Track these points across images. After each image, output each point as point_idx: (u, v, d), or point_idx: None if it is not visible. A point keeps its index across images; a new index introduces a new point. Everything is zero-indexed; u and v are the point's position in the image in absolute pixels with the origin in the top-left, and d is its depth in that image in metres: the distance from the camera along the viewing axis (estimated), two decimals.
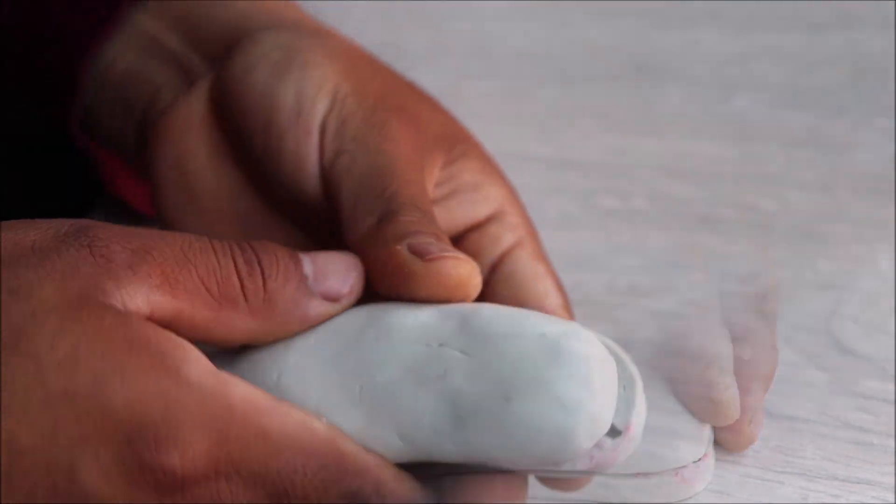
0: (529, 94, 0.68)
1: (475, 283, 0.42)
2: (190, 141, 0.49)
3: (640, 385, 0.43)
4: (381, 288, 0.43)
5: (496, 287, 0.46)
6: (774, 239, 0.59)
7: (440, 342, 0.40)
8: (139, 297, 0.38)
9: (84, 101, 0.54)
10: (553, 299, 0.46)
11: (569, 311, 0.46)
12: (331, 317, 0.41)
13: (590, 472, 0.42)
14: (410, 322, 0.41)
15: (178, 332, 0.38)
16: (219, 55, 0.50)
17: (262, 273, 0.40)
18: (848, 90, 0.67)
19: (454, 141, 0.48)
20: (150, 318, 0.38)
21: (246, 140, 0.48)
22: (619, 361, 0.42)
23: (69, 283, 0.37)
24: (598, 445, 0.41)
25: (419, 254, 0.42)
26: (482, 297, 0.43)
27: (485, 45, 0.73)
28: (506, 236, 0.47)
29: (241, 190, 0.49)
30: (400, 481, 0.40)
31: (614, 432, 0.42)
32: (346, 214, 0.44)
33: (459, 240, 0.47)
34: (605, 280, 0.56)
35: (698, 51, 0.71)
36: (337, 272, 0.41)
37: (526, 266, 0.47)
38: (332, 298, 0.41)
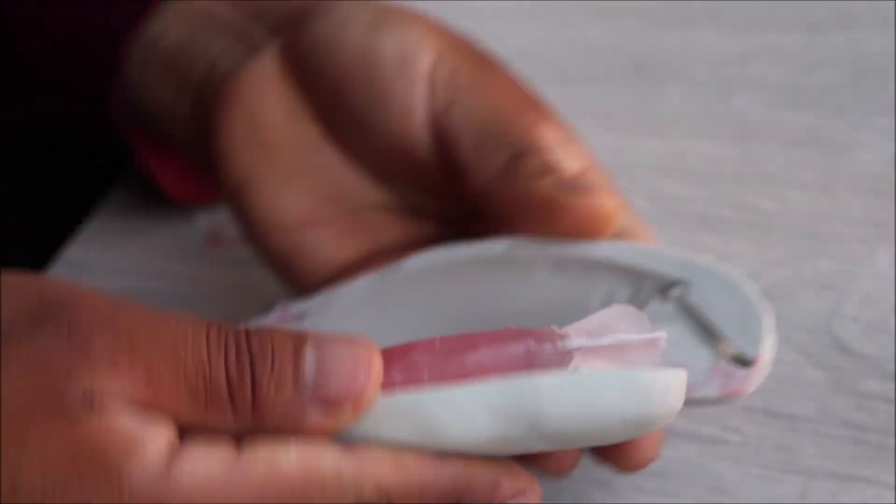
0: None
1: (619, 218, 0.42)
2: (264, 99, 0.48)
3: (767, 318, 0.44)
4: (517, 227, 0.43)
5: None
6: (774, 239, 0.59)
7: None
8: (117, 393, 0.35)
9: (127, 79, 0.54)
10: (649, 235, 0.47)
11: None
12: (333, 430, 0.36)
13: (721, 400, 0.43)
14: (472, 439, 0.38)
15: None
16: (282, 25, 0.50)
17: (253, 375, 0.35)
18: (848, 90, 0.67)
19: (537, 101, 0.48)
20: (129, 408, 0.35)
21: (343, 94, 0.47)
22: (744, 298, 0.44)
23: (34, 379, 0.34)
24: (729, 375, 0.43)
25: (567, 187, 0.42)
26: None
27: (483, 45, 0.73)
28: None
29: (321, 144, 0.49)
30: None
31: (745, 362, 0.43)
32: (470, 159, 0.44)
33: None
34: None
35: (698, 51, 0.71)
36: (343, 372, 0.36)
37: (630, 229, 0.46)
38: (334, 405, 0.36)
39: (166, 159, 0.58)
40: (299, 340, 0.36)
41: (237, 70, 0.49)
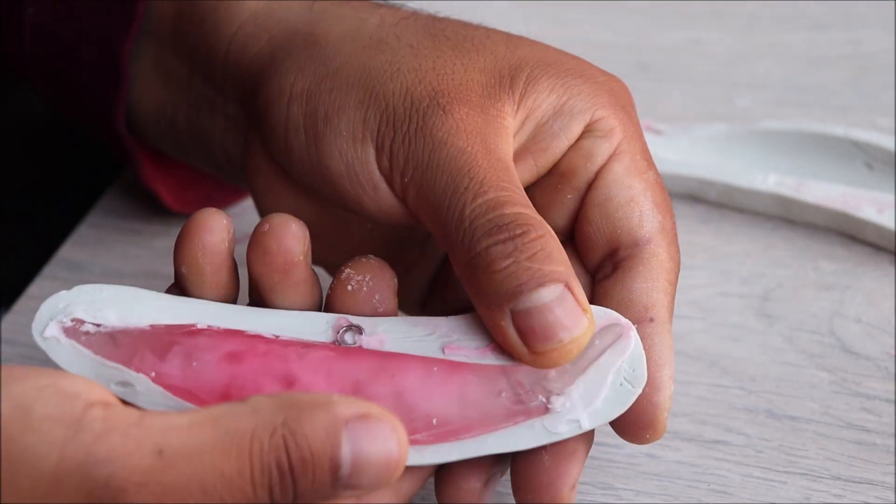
0: None
1: (574, 353, 0.41)
2: (283, 200, 0.49)
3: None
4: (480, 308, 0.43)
5: (591, 215, 0.45)
6: (776, 239, 0.59)
7: None
8: None
9: (135, 125, 0.55)
10: (648, 225, 0.45)
11: (668, 233, 0.45)
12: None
13: None
14: None
15: None
16: (243, 99, 0.49)
17: (296, 493, 0.37)
18: (849, 89, 0.67)
19: (515, 72, 0.46)
20: None
21: (326, 198, 0.47)
22: None
23: None
24: None
25: (525, 335, 0.41)
26: (580, 223, 0.45)
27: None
28: (600, 148, 0.45)
29: (353, 219, 0.48)
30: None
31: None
32: (444, 244, 0.43)
33: (556, 166, 0.46)
34: None
35: (700, 50, 0.71)
36: (377, 463, 0.37)
37: (619, 188, 0.45)
38: (365, 489, 0.37)
39: (168, 173, 0.58)
40: (335, 447, 0.37)
41: (246, 165, 0.50)
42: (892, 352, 0.53)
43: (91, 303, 0.43)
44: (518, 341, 0.41)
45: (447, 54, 0.46)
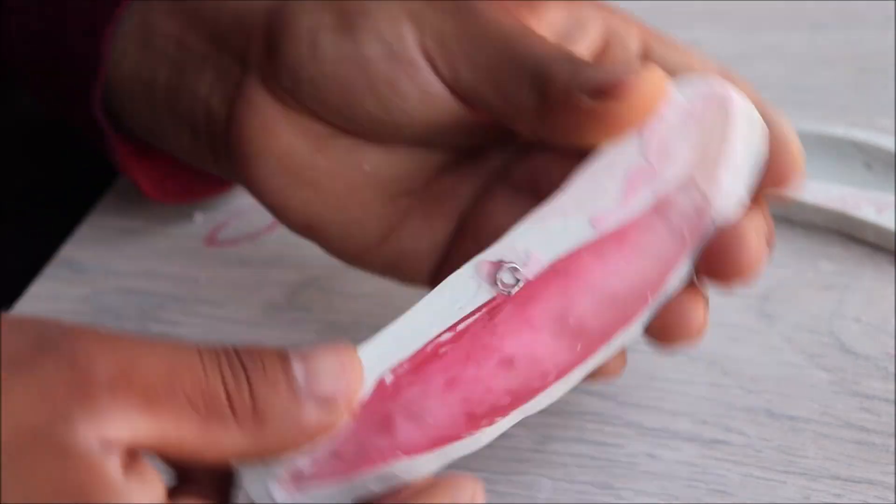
0: None
1: (662, 90, 0.42)
2: (275, 133, 0.48)
3: None
4: (587, 141, 0.42)
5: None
6: (776, 238, 0.59)
7: None
8: (118, 422, 0.35)
9: (121, 113, 0.54)
10: (708, 62, 0.47)
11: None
12: (331, 426, 0.38)
13: None
14: None
15: (166, 457, 0.37)
16: (246, 50, 0.49)
17: (250, 382, 0.37)
18: (849, 89, 0.67)
19: None
20: (132, 445, 0.36)
21: (350, 109, 0.46)
22: None
23: (33, 411, 0.35)
24: None
25: (601, 91, 0.41)
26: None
27: None
28: (631, 45, 0.47)
29: (347, 148, 0.48)
30: None
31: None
32: (505, 107, 0.43)
33: None
34: None
35: (699, 50, 0.71)
36: (331, 372, 0.38)
37: (666, 52, 0.47)
38: (329, 401, 0.38)
39: (149, 162, 0.57)
40: (284, 352, 0.38)
41: (235, 115, 0.49)
42: (892, 351, 0.53)
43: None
44: (598, 104, 0.41)
45: None
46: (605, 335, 0.41)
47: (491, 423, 0.39)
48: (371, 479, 0.38)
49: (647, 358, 0.52)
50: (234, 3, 0.50)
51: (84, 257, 0.60)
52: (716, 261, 0.42)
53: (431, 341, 0.40)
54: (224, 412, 0.36)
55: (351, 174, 0.48)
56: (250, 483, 0.38)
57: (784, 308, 0.55)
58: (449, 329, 0.40)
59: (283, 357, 0.38)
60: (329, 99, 0.47)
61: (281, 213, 0.49)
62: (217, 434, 0.36)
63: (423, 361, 0.40)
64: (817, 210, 0.58)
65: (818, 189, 0.59)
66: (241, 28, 0.49)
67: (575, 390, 0.43)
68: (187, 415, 0.36)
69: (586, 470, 0.49)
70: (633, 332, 0.42)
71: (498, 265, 0.41)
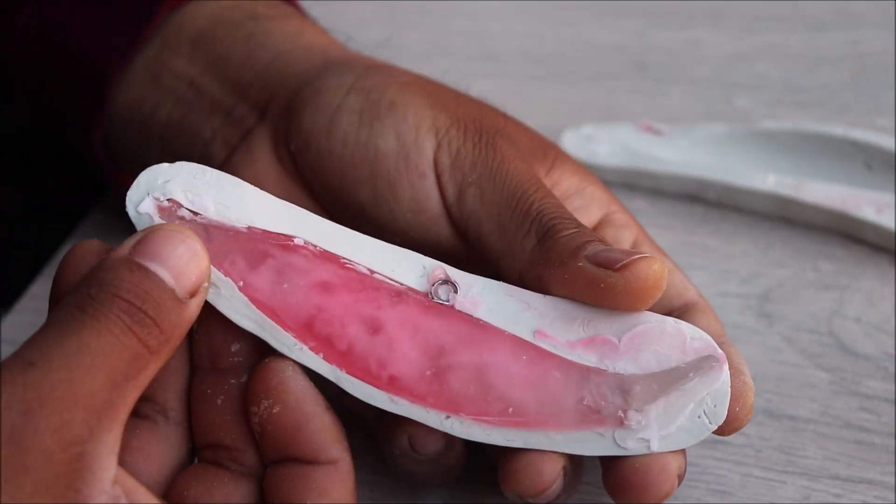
0: (530, 93, 0.68)
1: (666, 276, 0.41)
2: (264, 185, 0.48)
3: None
4: (571, 295, 0.42)
5: None
6: (775, 239, 0.59)
7: None
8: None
9: (111, 136, 0.54)
10: (692, 289, 0.46)
11: (697, 294, 0.47)
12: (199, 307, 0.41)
13: None
14: None
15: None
16: (266, 103, 0.50)
17: (157, 323, 0.39)
18: (849, 89, 0.67)
19: (546, 149, 0.48)
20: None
21: (346, 191, 0.47)
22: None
23: None
24: None
25: (605, 264, 0.41)
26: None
27: (485, 45, 0.73)
28: (625, 236, 0.48)
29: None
30: None
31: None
32: (499, 243, 0.44)
33: None
34: None
35: (699, 50, 0.71)
36: (190, 265, 0.40)
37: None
38: (199, 291, 0.40)
39: None
40: (139, 268, 0.40)
41: (232, 160, 0.49)
42: (892, 351, 0.53)
43: (191, 185, 0.42)
44: (597, 269, 0.41)
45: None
46: (456, 402, 0.42)
47: (315, 348, 0.42)
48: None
49: None
50: (269, 61, 0.50)
51: None
52: (628, 480, 0.42)
53: (355, 262, 0.42)
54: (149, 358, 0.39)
55: None
56: (139, 185, 0.42)
57: (784, 308, 0.55)
58: (366, 271, 0.42)
59: (121, 248, 0.40)
60: (328, 176, 0.47)
61: None
62: (149, 372, 0.39)
63: (328, 259, 0.42)
64: (817, 210, 0.58)
65: (818, 189, 0.59)
66: (268, 83, 0.50)
67: None
68: (129, 389, 0.38)
69: (587, 470, 0.49)
70: (496, 439, 0.42)
71: (447, 280, 0.43)
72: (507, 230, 0.44)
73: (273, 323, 0.41)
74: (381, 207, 0.46)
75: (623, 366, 0.42)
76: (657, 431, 0.42)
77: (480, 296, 0.43)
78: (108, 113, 0.53)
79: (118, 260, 0.39)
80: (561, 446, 0.42)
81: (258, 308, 0.41)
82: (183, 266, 0.40)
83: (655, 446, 0.42)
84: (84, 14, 0.54)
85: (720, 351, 0.42)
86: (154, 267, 0.39)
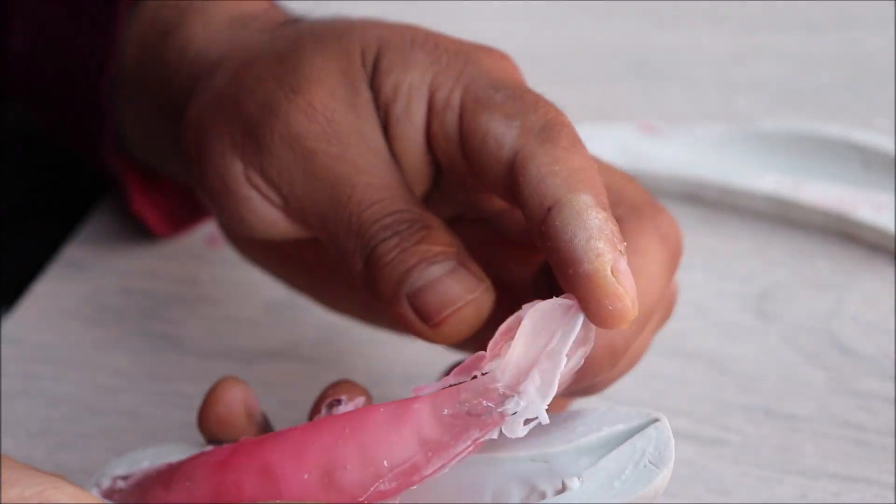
0: None
1: (480, 322, 0.41)
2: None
3: None
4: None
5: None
6: (773, 239, 0.59)
7: None
8: None
9: (118, 119, 0.54)
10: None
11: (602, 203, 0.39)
12: None
13: None
14: None
15: None
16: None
17: None
18: (847, 90, 0.67)
19: (365, 52, 0.44)
20: None
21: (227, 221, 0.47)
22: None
23: None
24: None
25: (424, 314, 0.40)
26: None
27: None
28: (508, 134, 0.43)
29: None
30: None
31: None
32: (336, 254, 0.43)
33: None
34: None
35: (698, 51, 0.71)
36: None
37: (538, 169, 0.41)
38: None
39: (154, 197, 0.58)
40: None
41: None
42: (890, 351, 0.53)
43: (134, 460, 0.43)
44: (418, 321, 0.40)
45: (308, 48, 0.44)
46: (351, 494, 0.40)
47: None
48: None
49: (645, 357, 0.52)
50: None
51: (86, 257, 0.60)
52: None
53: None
54: None
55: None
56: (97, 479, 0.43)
57: (782, 308, 0.55)
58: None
59: None
60: (214, 209, 0.47)
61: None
62: None
63: (228, 448, 0.42)
64: (815, 210, 0.58)
65: (816, 189, 0.59)
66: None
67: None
68: None
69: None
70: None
71: (332, 402, 0.42)
72: (339, 246, 0.42)
73: None
74: (243, 231, 0.45)
75: (490, 366, 0.39)
76: (543, 402, 0.38)
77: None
78: (110, 118, 0.53)
79: None
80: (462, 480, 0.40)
81: None
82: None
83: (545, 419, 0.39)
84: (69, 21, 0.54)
85: (653, 413, 0.39)
86: None
